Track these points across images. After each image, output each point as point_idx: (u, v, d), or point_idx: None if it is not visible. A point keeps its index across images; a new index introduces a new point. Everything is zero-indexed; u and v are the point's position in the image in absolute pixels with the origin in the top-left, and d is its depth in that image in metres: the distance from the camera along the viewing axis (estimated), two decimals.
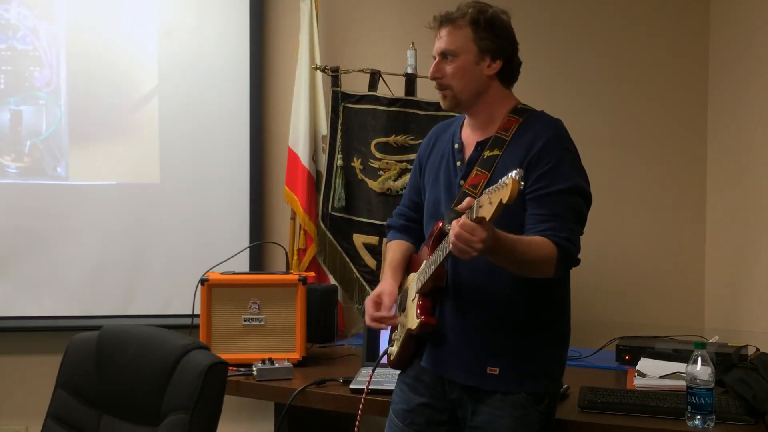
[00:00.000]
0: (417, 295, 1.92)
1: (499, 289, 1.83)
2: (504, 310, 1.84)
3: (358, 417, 2.07)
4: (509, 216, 1.74)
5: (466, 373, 1.88)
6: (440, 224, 1.86)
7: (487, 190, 1.51)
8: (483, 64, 1.88)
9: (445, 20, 1.90)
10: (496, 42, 1.88)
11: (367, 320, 1.99)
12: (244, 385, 2.46)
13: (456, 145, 1.96)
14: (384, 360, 2.09)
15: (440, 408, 1.96)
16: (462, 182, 1.89)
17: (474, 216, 1.52)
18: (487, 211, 1.47)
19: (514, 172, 1.43)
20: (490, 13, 1.89)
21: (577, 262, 1.80)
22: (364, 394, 2.09)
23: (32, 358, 3.46)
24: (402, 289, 2.06)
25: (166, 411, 1.74)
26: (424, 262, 1.92)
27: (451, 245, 1.59)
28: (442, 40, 1.90)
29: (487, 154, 1.86)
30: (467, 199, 1.58)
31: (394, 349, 2.01)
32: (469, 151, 1.92)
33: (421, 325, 1.87)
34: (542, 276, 1.75)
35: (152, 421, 1.77)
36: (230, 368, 2.24)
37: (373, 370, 2.11)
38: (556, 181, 1.77)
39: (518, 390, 1.84)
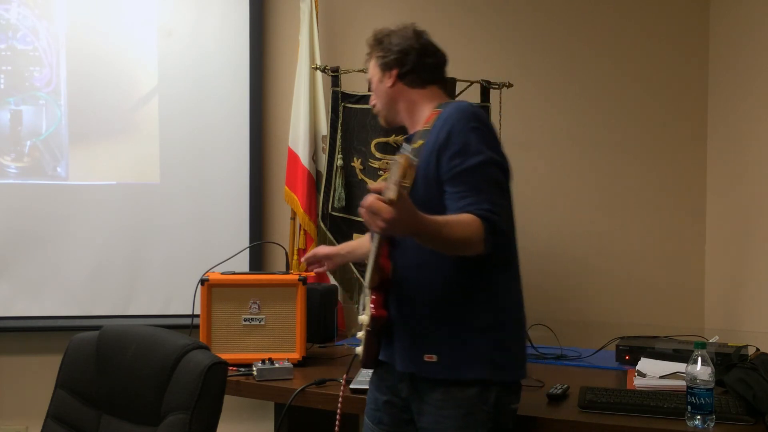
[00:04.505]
0: (369, 291, 1.94)
1: (432, 277, 1.86)
2: (437, 298, 1.86)
3: (337, 416, 2.10)
4: (432, 203, 1.78)
5: (406, 361, 1.90)
6: None
7: (391, 172, 1.59)
8: (385, 79, 2.03)
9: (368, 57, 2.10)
10: (387, 56, 2.02)
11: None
12: (244, 385, 2.45)
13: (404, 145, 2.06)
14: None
15: (401, 407, 1.97)
16: None
17: (386, 199, 1.58)
18: (392, 192, 1.54)
19: (405, 149, 1.48)
20: (380, 34, 2.07)
21: (503, 233, 1.78)
22: (341, 395, 2.12)
23: (32, 358, 3.46)
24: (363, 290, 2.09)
25: (166, 411, 1.74)
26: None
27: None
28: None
29: (414, 146, 1.92)
30: (380, 182, 1.63)
31: (360, 348, 2.03)
32: None
33: (371, 318, 1.90)
34: (474, 252, 1.75)
35: (152, 421, 1.77)
36: (230, 368, 2.25)
37: (347, 372, 2.14)
38: (467, 158, 1.79)
39: (457, 376, 1.83)
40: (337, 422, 2.11)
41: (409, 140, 1.98)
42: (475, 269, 1.83)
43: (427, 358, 1.85)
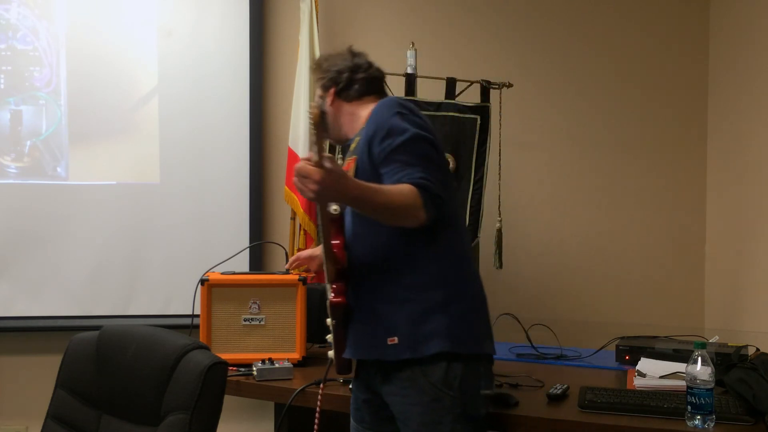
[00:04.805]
0: (329, 285, 1.98)
1: (384, 261, 1.92)
2: (391, 281, 1.91)
3: (316, 417, 2.12)
4: None
5: (369, 348, 1.93)
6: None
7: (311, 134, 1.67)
8: (326, 99, 2.16)
9: None
10: (324, 78, 2.17)
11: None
12: (244, 385, 2.45)
13: None
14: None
15: (379, 404, 2.00)
16: None
17: (313, 161, 1.64)
18: (314, 156, 1.62)
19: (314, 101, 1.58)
20: (320, 59, 2.23)
21: (440, 197, 1.82)
22: (319, 396, 2.15)
23: (32, 358, 3.46)
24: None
25: (166, 411, 1.74)
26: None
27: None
28: None
29: (353, 145, 2.06)
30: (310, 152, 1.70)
31: (332, 352, 2.05)
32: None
33: (331, 306, 1.95)
34: (417, 221, 1.80)
35: (152, 421, 1.77)
36: (230, 368, 2.25)
37: (325, 376, 2.17)
38: (395, 138, 1.87)
39: (419, 353, 1.86)
40: (316, 423, 2.13)
41: (350, 144, 2.09)
42: (423, 248, 1.89)
43: (390, 341, 1.88)
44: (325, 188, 1.64)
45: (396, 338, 1.87)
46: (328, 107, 2.15)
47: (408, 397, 1.88)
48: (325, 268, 1.96)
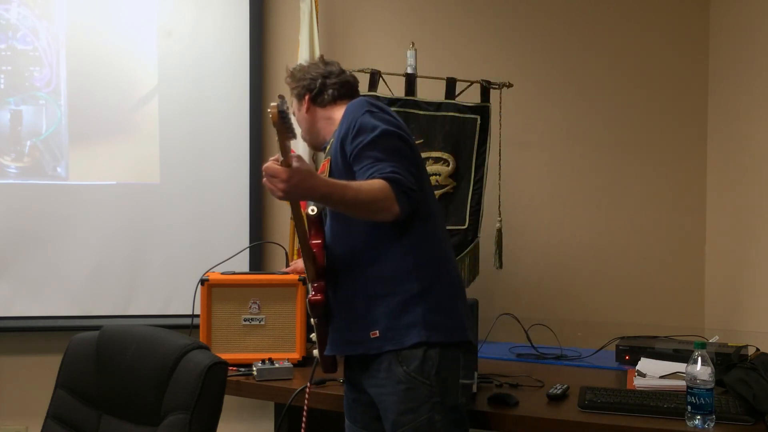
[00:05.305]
0: (309, 285, 2.00)
1: (355, 258, 1.96)
2: (370, 277, 1.94)
3: (303, 415, 2.13)
4: None
5: (353, 344, 1.96)
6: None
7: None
8: (302, 107, 2.23)
9: None
10: (299, 87, 2.24)
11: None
12: (244, 385, 2.46)
13: None
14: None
15: (366, 402, 2.02)
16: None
17: (279, 160, 1.68)
18: (280, 155, 1.66)
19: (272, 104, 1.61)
20: (293, 70, 2.28)
21: (412, 190, 1.84)
22: (307, 394, 2.16)
23: (32, 358, 3.46)
24: None
25: (166, 411, 1.75)
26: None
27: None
28: None
29: (328, 147, 2.13)
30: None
31: (317, 351, 2.07)
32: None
33: (310, 304, 1.96)
34: (392, 214, 1.82)
35: (152, 421, 1.77)
36: (230, 368, 2.25)
37: (312, 374, 2.19)
38: (366, 135, 1.90)
39: (399, 344, 1.88)
40: (303, 423, 2.15)
41: (325, 147, 2.17)
42: (398, 241, 1.92)
43: (372, 334, 1.91)
44: (293, 186, 1.67)
45: (377, 332, 1.91)
46: (304, 115, 2.21)
47: (386, 387, 1.91)
48: (305, 268, 1.99)
